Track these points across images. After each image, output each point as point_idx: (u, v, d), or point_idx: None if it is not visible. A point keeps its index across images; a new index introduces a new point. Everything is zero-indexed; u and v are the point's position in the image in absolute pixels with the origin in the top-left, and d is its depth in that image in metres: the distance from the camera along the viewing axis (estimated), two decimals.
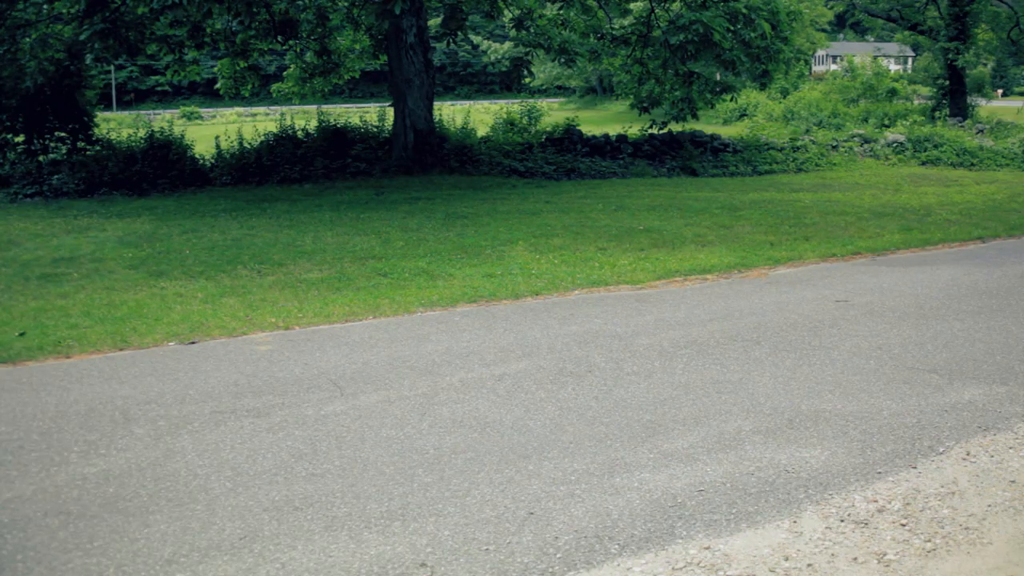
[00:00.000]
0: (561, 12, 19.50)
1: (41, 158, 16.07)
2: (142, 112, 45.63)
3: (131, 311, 7.68)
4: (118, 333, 6.94)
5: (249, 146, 17.42)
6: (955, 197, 15.28)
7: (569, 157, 19.08)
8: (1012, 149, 21.82)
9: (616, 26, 19.64)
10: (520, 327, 7.02)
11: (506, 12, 19.07)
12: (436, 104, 18.99)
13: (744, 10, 16.91)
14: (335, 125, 18.32)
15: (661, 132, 21.04)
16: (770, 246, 10.51)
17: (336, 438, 4.74)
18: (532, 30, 17.96)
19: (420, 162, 17.42)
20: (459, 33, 15.82)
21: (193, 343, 6.72)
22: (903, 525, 3.74)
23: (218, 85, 21.04)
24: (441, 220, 12.27)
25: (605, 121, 35.82)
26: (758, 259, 9.75)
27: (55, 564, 3.51)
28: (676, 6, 18.00)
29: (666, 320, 7.22)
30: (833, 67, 63.29)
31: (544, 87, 55.65)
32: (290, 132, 17.95)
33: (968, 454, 4.47)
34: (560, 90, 60.81)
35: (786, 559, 3.48)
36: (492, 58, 63.58)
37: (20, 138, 16.31)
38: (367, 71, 24.41)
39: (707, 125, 28.56)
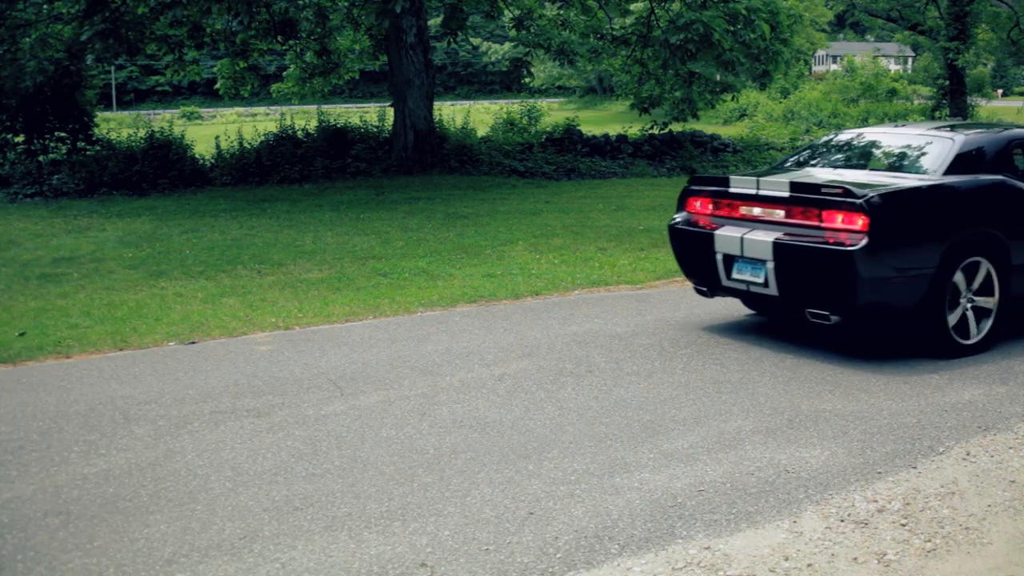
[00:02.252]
0: (561, 12, 19.51)
1: (41, 158, 16.07)
2: (142, 112, 45.59)
3: (131, 311, 7.68)
4: (118, 333, 6.94)
5: (249, 146, 17.42)
6: None
7: (569, 157, 19.08)
8: None
9: (616, 26, 19.64)
10: (520, 327, 7.02)
11: (506, 12, 19.09)
12: (436, 104, 18.99)
13: (744, 11, 16.92)
14: (335, 125, 18.32)
15: (661, 132, 21.05)
16: None
17: (336, 438, 4.74)
18: (532, 30, 17.96)
19: (420, 162, 17.42)
20: (459, 33, 15.83)
21: (193, 343, 6.72)
22: (903, 525, 3.74)
23: (218, 85, 21.05)
24: (441, 220, 12.28)
25: (605, 121, 35.83)
26: None
27: (55, 564, 3.51)
28: (676, 6, 18.00)
29: (666, 320, 7.22)
30: (833, 67, 63.29)
31: (544, 87, 55.68)
32: (290, 132, 17.95)
33: (968, 454, 4.47)
34: (560, 90, 60.82)
35: (786, 559, 3.48)
36: (492, 58, 63.60)
37: (20, 138, 16.32)
38: (367, 71, 24.41)
39: (707, 125, 28.56)
